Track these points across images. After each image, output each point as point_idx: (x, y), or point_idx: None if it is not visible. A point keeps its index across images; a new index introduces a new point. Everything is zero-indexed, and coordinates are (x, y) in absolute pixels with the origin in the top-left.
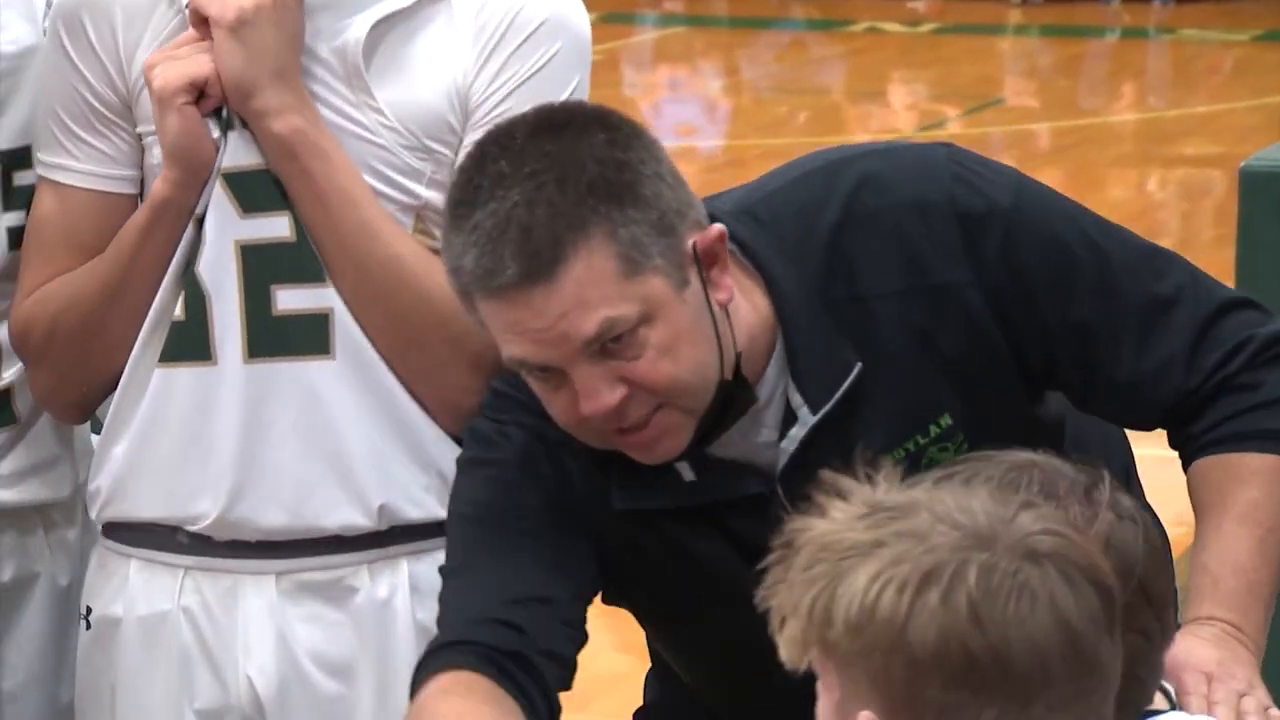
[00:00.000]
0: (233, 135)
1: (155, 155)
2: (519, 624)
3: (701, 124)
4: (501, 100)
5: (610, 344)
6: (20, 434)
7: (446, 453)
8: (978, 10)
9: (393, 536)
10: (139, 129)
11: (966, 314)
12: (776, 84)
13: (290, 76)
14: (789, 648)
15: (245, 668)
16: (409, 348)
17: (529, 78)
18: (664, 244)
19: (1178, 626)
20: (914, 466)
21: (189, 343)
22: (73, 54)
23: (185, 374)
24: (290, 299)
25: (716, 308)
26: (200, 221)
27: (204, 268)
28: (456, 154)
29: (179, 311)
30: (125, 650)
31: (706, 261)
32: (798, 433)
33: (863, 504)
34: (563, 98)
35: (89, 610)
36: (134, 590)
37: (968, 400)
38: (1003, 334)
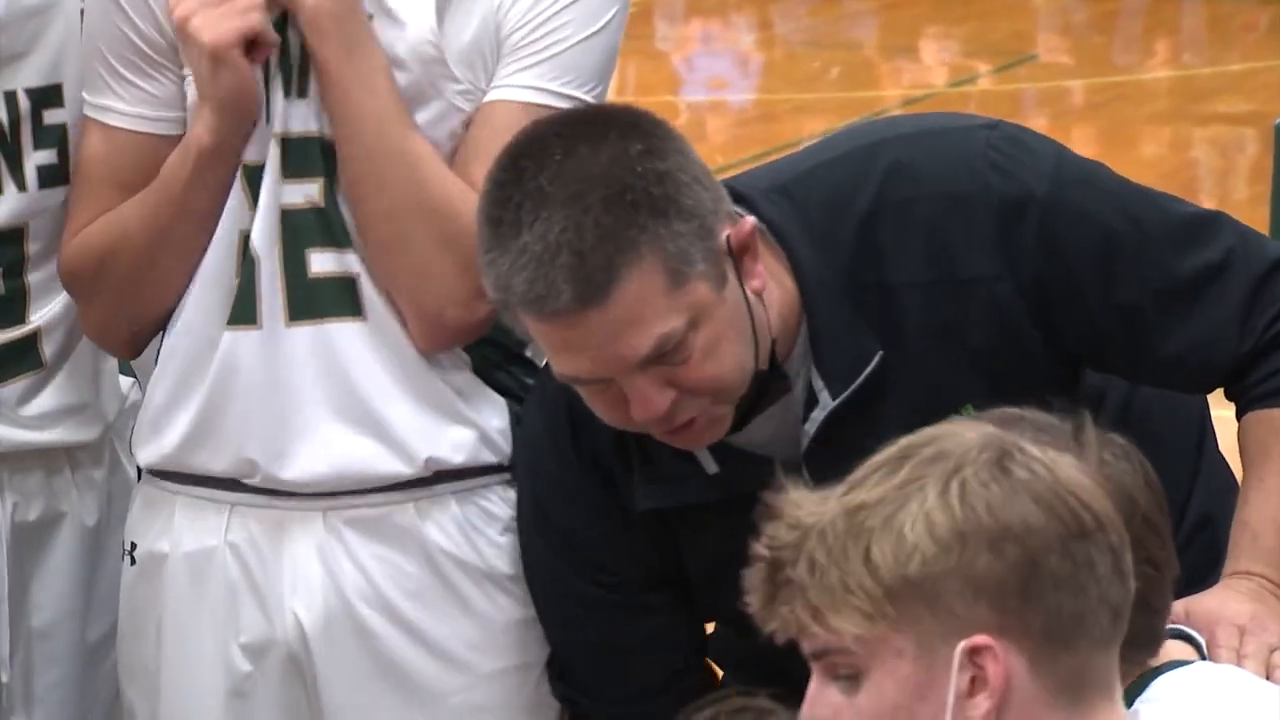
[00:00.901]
0: (289, 102)
1: (194, 94)
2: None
3: (734, 78)
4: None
5: (660, 355)
6: (48, 377)
7: (481, 404)
8: None
9: (438, 479)
10: (185, 70)
11: (996, 307)
12: (809, 38)
13: None
14: (844, 633)
15: (291, 603)
16: (400, 243)
17: (568, 5)
18: (704, 248)
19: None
20: None
21: (243, 307)
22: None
23: (242, 337)
24: (322, 262)
25: (751, 296)
26: (253, 185)
27: (256, 233)
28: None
29: (234, 276)
30: (172, 585)
31: (739, 252)
32: (818, 415)
33: (849, 480)
34: (596, 28)
35: (134, 546)
36: (180, 527)
37: (996, 391)
38: (1038, 324)
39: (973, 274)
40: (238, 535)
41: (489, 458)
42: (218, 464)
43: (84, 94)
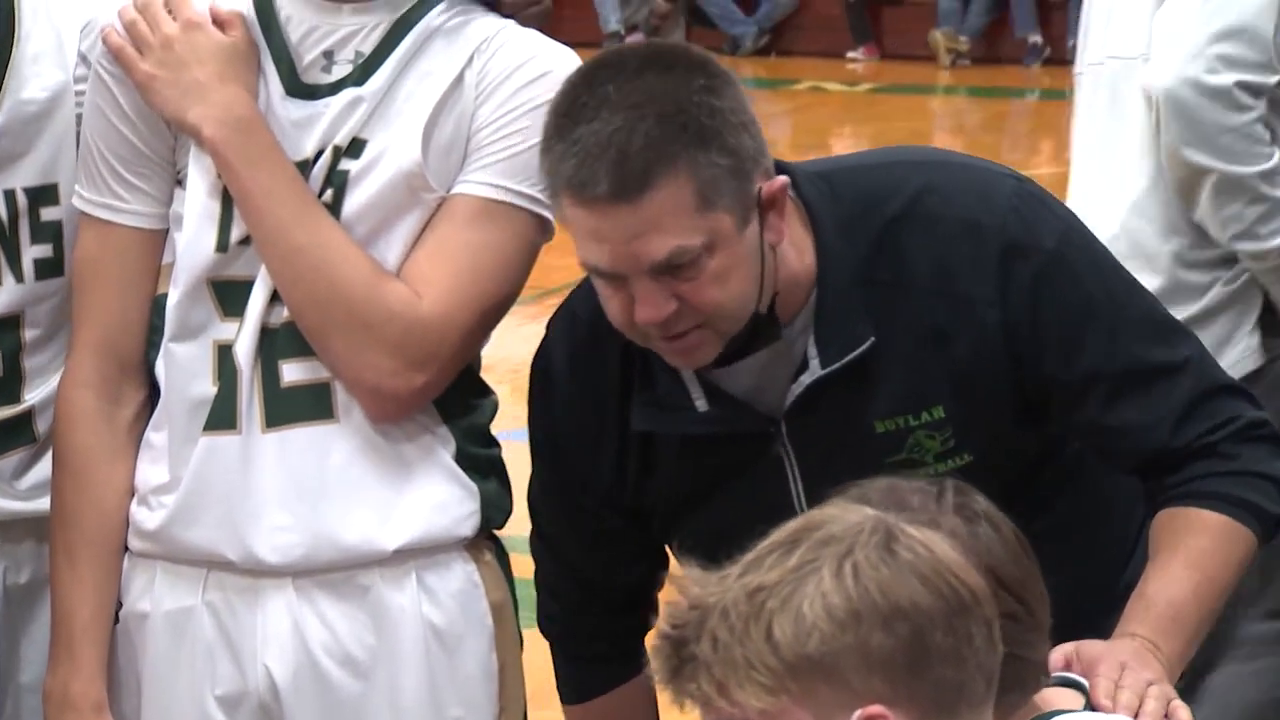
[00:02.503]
0: None
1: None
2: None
3: None
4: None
5: (673, 267)
6: (40, 451)
7: (445, 484)
8: (911, 72)
9: (403, 554)
10: (178, 167)
11: (982, 328)
12: None
13: (211, 89)
14: (747, 706)
15: (263, 657)
16: (327, 331)
17: (530, 110)
18: (736, 187)
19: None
20: (900, 443)
21: (222, 413)
22: (122, 101)
23: (220, 441)
24: (293, 371)
25: (767, 248)
26: (229, 299)
27: (240, 347)
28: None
29: (214, 385)
30: (153, 642)
31: (767, 206)
32: (805, 379)
33: (745, 561)
34: None
35: (119, 605)
36: (160, 589)
37: (962, 402)
38: (1008, 356)
39: (971, 293)
40: (214, 595)
41: (454, 534)
42: (194, 553)
43: (80, 191)
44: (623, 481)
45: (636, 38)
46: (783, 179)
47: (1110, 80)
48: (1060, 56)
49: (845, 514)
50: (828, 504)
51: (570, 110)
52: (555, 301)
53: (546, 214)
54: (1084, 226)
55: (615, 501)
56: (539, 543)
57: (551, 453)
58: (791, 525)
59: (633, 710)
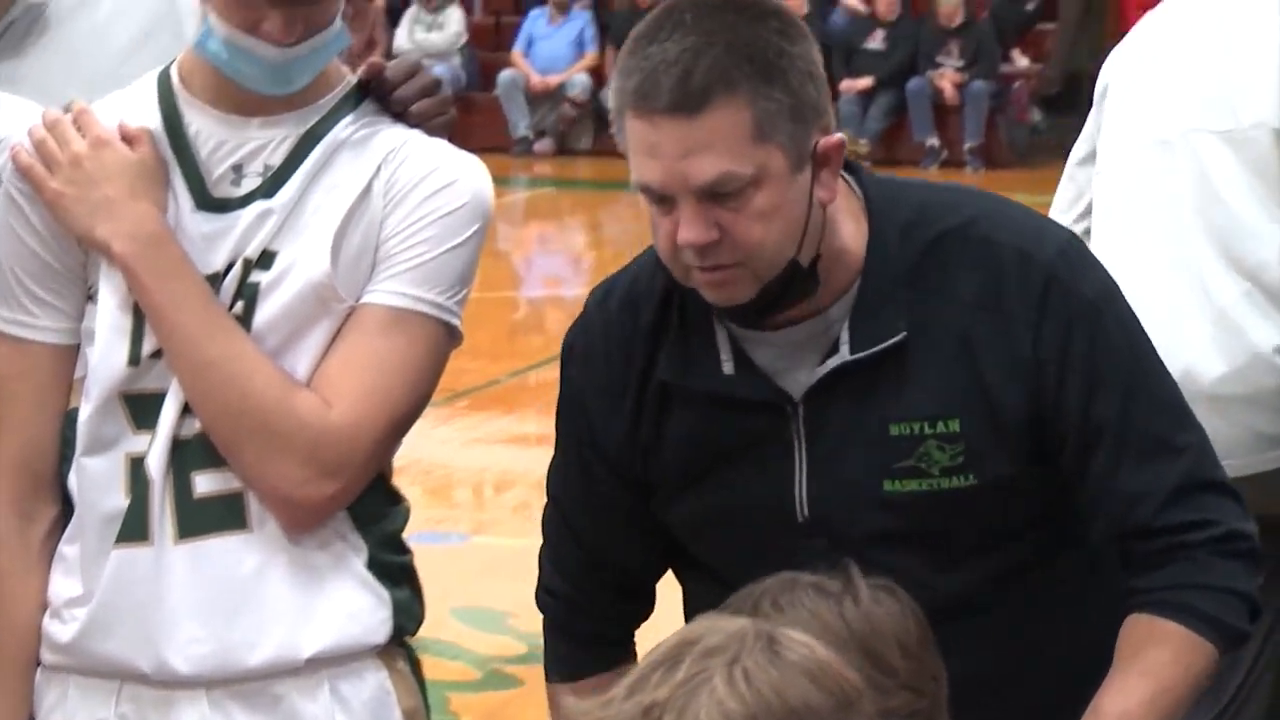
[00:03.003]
0: None
1: (91, 314)
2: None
3: (568, 275)
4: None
5: (720, 194)
6: None
7: (358, 592)
8: None
9: (316, 662)
10: (89, 282)
11: (1012, 352)
12: (635, 239)
13: (120, 205)
14: None
15: None
16: (239, 442)
17: (437, 219)
18: (792, 128)
19: None
20: (911, 450)
21: (135, 526)
22: (32, 218)
23: (132, 554)
24: (206, 483)
25: (816, 203)
26: (142, 412)
27: (152, 459)
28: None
29: (126, 498)
30: None
31: (821, 162)
32: (833, 362)
33: (627, 684)
34: (460, 240)
35: (31, 719)
36: (73, 703)
37: (979, 421)
38: (1026, 391)
39: (1013, 312)
40: (127, 708)
41: (367, 643)
42: (108, 666)
43: None
44: (634, 441)
45: (546, 143)
46: (839, 137)
47: (1204, 150)
48: (956, 159)
49: (721, 624)
50: (698, 618)
51: (647, 33)
52: (466, 404)
53: (455, 321)
54: (1122, 295)
55: (623, 467)
56: (551, 509)
57: (570, 411)
58: (668, 643)
59: None
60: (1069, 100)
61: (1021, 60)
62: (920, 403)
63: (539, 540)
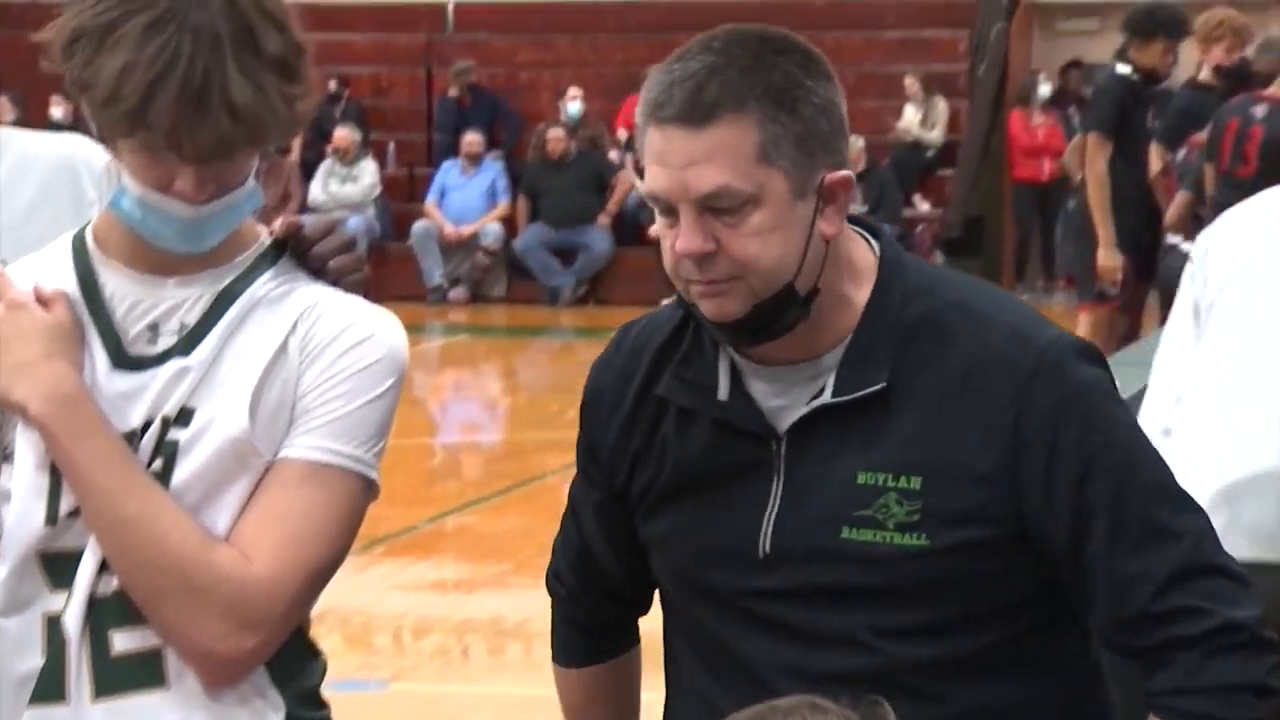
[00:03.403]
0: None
1: (7, 475)
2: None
3: (484, 421)
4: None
5: (718, 209)
6: None
7: None
8: None
9: None
10: (5, 443)
11: (990, 424)
12: (549, 384)
13: (36, 367)
14: None
15: None
16: (158, 598)
17: (353, 374)
18: (798, 156)
19: None
20: (872, 500)
21: (51, 686)
22: None
23: (48, 714)
24: (124, 641)
25: (817, 234)
26: (58, 572)
27: (69, 618)
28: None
29: (42, 657)
30: None
31: (827, 196)
32: (815, 402)
33: None
34: (376, 394)
35: None
36: None
37: (941, 484)
38: (1007, 467)
39: (995, 388)
40: None
41: None
42: None
43: None
44: (624, 450)
45: (460, 292)
46: (848, 173)
47: None
48: None
49: None
50: None
51: (680, 54)
52: (383, 551)
53: (373, 474)
54: (1114, 386)
55: (613, 476)
56: (568, 503)
57: (581, 417)
58: None
59: (618, 683)
60: (970, 243)
61: (923, 205)
62: (888, 455)
63: (459, 686)
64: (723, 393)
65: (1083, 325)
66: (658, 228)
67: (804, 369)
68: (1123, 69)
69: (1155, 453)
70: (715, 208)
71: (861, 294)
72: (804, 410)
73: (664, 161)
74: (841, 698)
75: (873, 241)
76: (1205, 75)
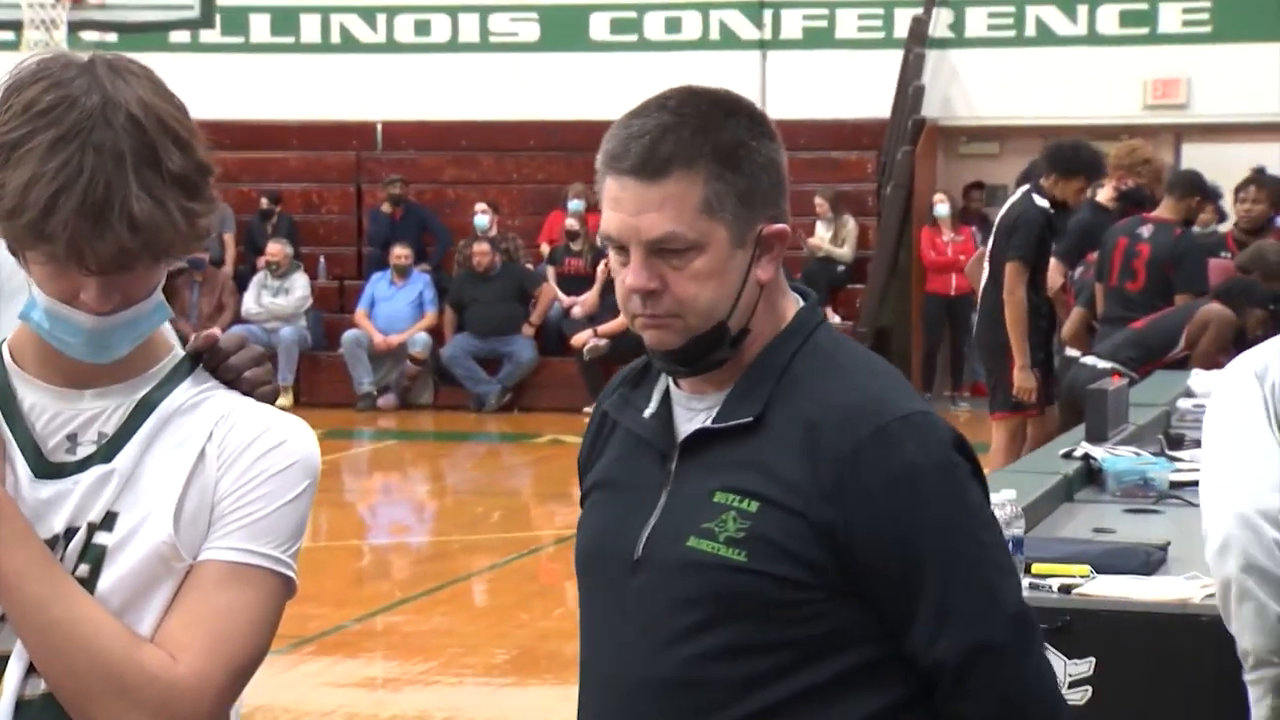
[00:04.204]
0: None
1: None
2: None
3: (412, 523)
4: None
5: (666, 251)
6: None
7: None
8: None
9: None
10: None
11: (816, 478)
12: (474, 487)
13: None
14: None
15: None
16: (87, 700)
17: (268, 479)
18: (740, 210)
19: None
20: (715, 514)
21: None
22: None
23: None
24: None
25: (752, 280)
26: None
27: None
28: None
29: None
30: None
31: (764, 246)
32: (694, 427)
33: None
34: (291, 497)
35: None
36: None
37: (772, 514)
38: (820, 511)
39: (828, 443)
40: None
41: None
42: None
43: None
44: (585, 462)
45: (389, 399)
46: (784, 227)
47: None
48: None
49: None
50: None
51: (638, 110)
52: (313, 649)
53: (290, 573)
54: (962, 471)
55: (582, 481)
56: None
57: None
58: None
59: None
60: (879, 353)
61: (834, 317)
62: (741, 479)
63: None
64: (647, 411)
65: (998, 432)
66: (612, 264)
67: (710, 398)
68: (1041, 202)
69: (986, 536)
70: (663, 250)
71: (773, 315)
72: (689, 431)
73: (619, 208)
74: None
75: (801, 303)
76: (1104, 196)
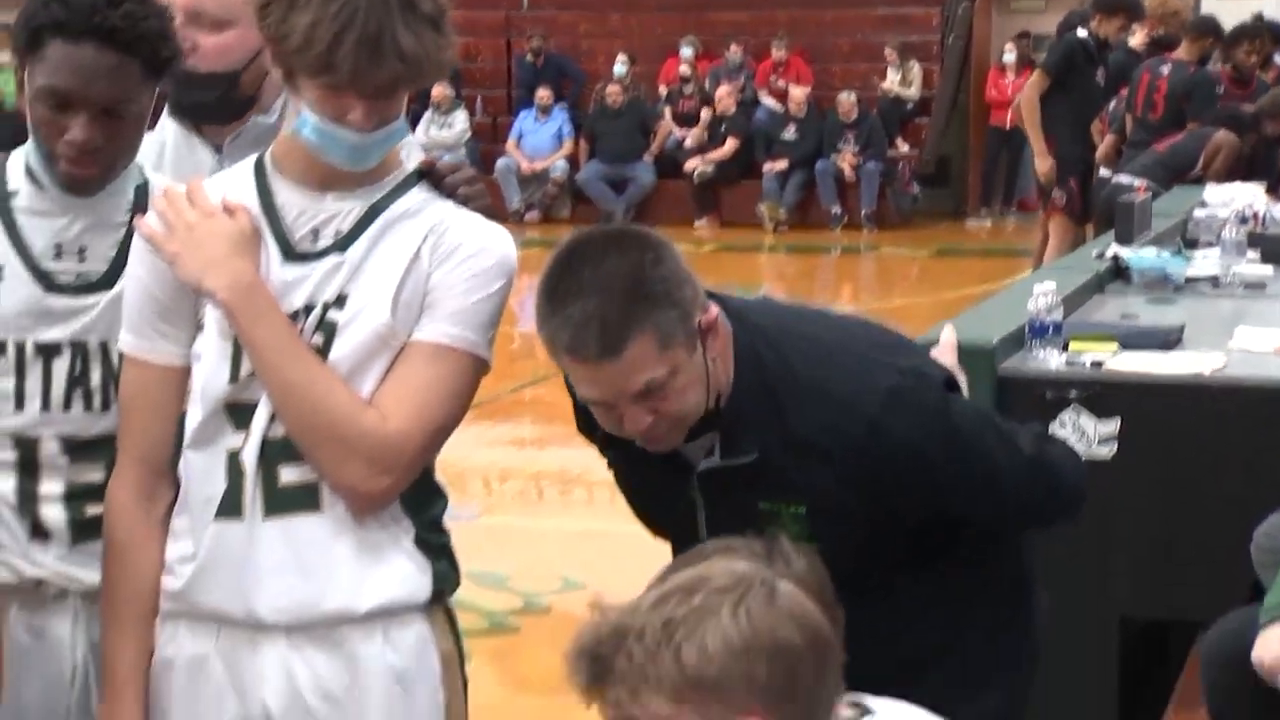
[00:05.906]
0: None
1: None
2: None
3: None
4: (450, 293)
5: (648, 392)
6: None
7: (406, 561)
8: (744, 235)
9: (372, 615)
10: (199, 316)
11: (838, 473)
12: None
13: (223, 262)
14: (655, 711)
15: (262, 695)
16: (315, 446)
17: (472, 275)
18: (684, 328)
19: None
20: (773, 518)
21: (231, 505)
22: (156, 270)
23: (229, 526)
24: (289, 474)
25: (710, 361)
26: (240, 417)
27: (246, 454)
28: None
29: (224, 483)
30: (177, 682)
31: (706, 333)
32: (707, 462)
33: (653, 597)
34: (490, 291)
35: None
36: (183, 639)
37: (820, 509)
38: (860, 494)
39: (835, 448)
40: (224, 645)
41: (412, 601)
42: (208, 612)
43: (125, 337)
44: (589, 425)
45: (534, 214)
46: (715, 312)
47: None
48: (855, 222)
49: (732, 566)
50: (714, 557)
51: (558, 291)
52: (475, 414)
53: (485, 355)
54: (957, 423)
55: (590, 434)
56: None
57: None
58: (689, 574)
59: None
60: (940, 177)
61: (903, 146)
62: (776, 491)
63: (534, 520)
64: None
65: (1053, 230)
66: (595, 412)
67: (705, 437)
68: (1081, 33)
69: (1004, 461)
70: (646, 393)
71: (728, 362)
72: (703, 466)
73: (594, 383)
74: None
75: (717, 309)
76: (1137, 41)
